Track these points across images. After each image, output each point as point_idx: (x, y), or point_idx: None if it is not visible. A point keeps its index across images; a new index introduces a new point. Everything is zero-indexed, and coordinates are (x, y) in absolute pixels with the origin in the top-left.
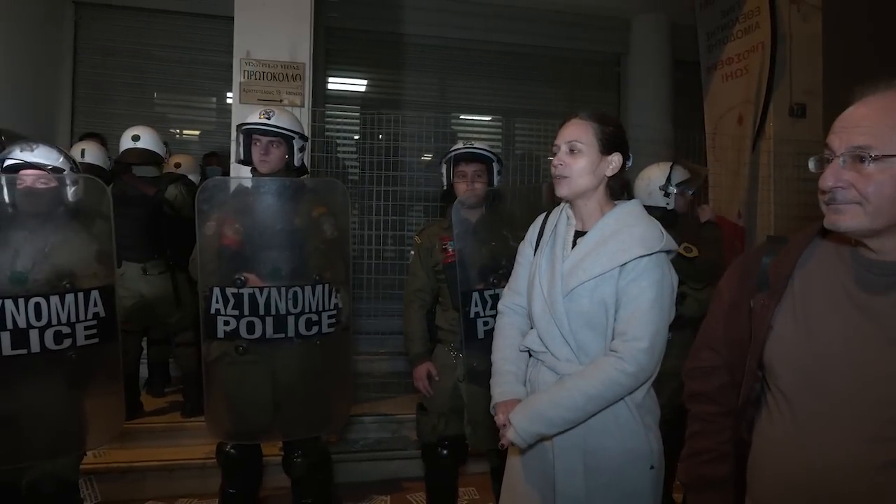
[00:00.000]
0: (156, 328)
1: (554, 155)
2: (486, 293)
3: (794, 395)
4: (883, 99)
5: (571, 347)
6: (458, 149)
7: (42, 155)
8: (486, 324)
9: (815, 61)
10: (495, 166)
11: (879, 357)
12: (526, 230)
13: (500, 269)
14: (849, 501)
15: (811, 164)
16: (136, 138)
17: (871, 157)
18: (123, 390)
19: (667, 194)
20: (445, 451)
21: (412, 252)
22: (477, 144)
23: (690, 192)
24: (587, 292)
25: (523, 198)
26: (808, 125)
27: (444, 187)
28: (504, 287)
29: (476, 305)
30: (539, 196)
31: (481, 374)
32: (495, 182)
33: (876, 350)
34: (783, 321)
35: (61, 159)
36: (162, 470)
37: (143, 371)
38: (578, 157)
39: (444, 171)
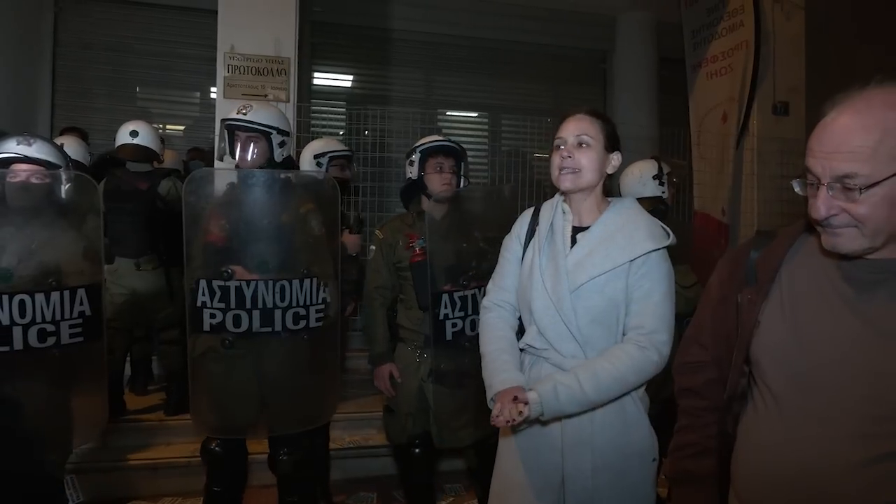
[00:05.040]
0: (142, 325)
1: (555, 150)
2: (456, 295)
3: (780, 390)
4: (859, 116)
5: (579, 343)
6: (436, 140)
7: (40, 150)
8: (454, 325)
9: (799, 60)
10: (463, 164)
11: (867, 354)
12: (494, 231)
13: (469, 271)
14: (832, 497)
15: (796, 187)
16: (134, 134)
17: (859, 189)
18: (107, 389)
19: (661, 183)
20: (418, 450)
21: (373, 247)
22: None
23: (674, 181)
24: (597, 288)
25: (490, 198)
26: (791, 123)
27: (414, 179)
28: (473, 289)
29: (445, 307)
30: (503, 197)
31: (448, 375)
32: (461, 180)
33: (863, 347)
34: (770, 316)
35: (58, 155)
36: (146, 469)
37: (126, 369)
38: (588, 151)
39: (415, 161)
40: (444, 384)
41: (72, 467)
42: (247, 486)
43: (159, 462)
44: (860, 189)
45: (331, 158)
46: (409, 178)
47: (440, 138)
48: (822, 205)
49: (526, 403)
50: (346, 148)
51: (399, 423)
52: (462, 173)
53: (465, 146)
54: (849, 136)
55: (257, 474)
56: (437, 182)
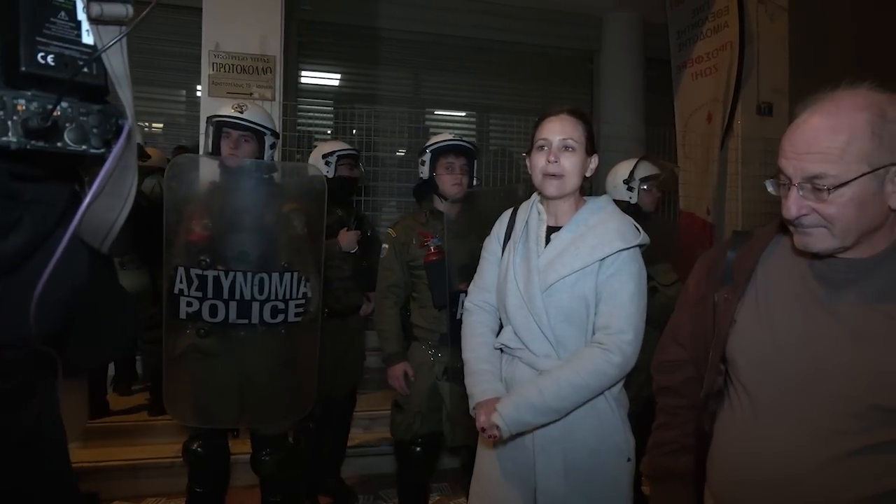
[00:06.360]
0: None
1: (536, 150)
2: None
3: (754, 388)
4: (828, 118)
5: (551, 343)
6: (448, 140)
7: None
8: None
9: (782, 60)
10: (476, 163)
11: (837, 352)
12: None
13: None
14: (806, 494)
15: (770, 187)
16: None
17: (828, 189)
18: (86, 388)
19: (630, 188)
20: (419, 449)
21: (385, 246)
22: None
23: (652, 188)
24: (567, 287)
25: (506, 198)
26: (775, 123)
27: (425, 178)
28: None
29: (462, 307)
30: (517, 196)
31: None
32: (474, 179)
33: (834, 345)
34: (746, 315)
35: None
36: (129, 469)
37: (110, 369)
38: (572, 156)
39: (426, 160)
40: (459, 382)
41: None
42: (230, 486)
43: (142, 462)
44: (829, 189)
45: (339, 157)
46: (421, 178)
47: (451, 137)
48: (793, 205)
49: (499, 429)
50: (352, 147)
51: (406, 421)
52: (474, 172)
53: None
54: (818, 137)
55: (240, 475)
56: (449, 182)
